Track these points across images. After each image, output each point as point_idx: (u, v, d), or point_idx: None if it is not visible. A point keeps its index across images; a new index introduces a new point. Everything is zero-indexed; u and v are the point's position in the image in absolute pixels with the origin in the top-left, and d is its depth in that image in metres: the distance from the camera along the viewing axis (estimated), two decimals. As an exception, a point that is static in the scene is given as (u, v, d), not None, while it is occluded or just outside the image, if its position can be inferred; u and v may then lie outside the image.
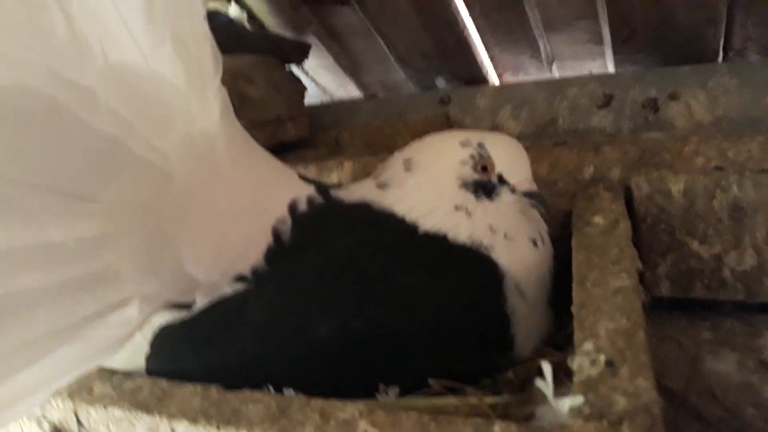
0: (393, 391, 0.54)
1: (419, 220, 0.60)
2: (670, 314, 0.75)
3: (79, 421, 0.56)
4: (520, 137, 1.09)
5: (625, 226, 0.63)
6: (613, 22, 1.17)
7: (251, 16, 1.37)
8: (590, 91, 1.11)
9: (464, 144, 0.64)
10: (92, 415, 0.54)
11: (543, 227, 0.66)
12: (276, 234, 0.59)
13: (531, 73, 1.39)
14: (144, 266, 0.52)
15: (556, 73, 1.35)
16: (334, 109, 1.35)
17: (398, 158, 0.67)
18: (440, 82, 1.42)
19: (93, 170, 0.47)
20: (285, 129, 1.12)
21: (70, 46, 0.45)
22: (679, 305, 0.75)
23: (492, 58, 1.37)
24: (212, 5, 1.30)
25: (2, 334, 0.43)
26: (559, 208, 0.77)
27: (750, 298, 0.70)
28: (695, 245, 0.71)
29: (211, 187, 0.56)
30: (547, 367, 0.44)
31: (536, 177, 0.83)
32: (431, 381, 0.52)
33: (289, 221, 0.59)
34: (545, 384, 0.44)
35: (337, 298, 0.56)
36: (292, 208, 0.60)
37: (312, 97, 1.55)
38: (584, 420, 0.39)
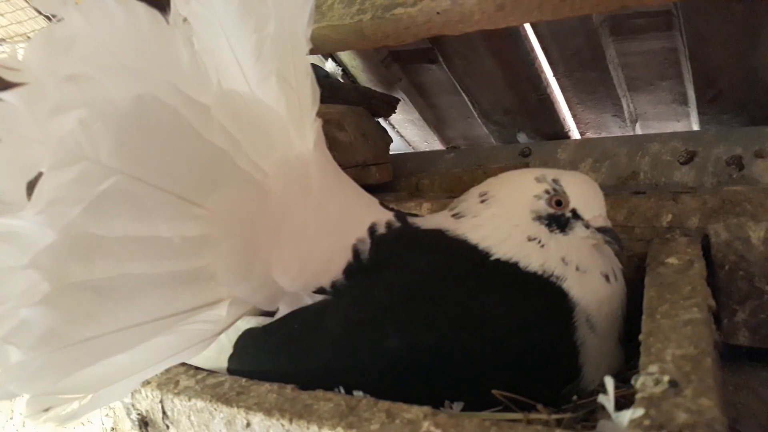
0: (458, 407, 0.55)
1: (492, 248, 0.63)
2: (748, 364, 0.73)
3: (164, 411, 0.60)
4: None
5: (699, 266, 0.64)
6: (697, 83, 1.17)
7: (345, 72, 1.47)
8: (673, 148, 1.11)
9: (539, 179, 0.66)
10: (176, 405, 0.59)
11: (616, 264, 0.67)
12: (356, 252, 0.63)
13: (614, 133, 1.41)
14: (237, 270, 0.57)
15: (639, 132, 1.36)
16: (416, 158, 1.40)
17: (474, 192, 0.70)
18: (522, 138, 1.46)
19: (203, 178, 0.53)
20: (370, 173, 1.18)
21: (190, 71, 0.53)
22: (758, 356, 0.73)
23: (574, 117, 1.40)
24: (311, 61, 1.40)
25: (110, 314, 0.48)
26: (635, 252, 0.77)
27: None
28: (775, 294, 0.70)
29: (302, 205, 0.61)
30: (609, 381, 0.45)
31: (613, 223, 0.84)
32: (495, 392, 0.54)
33: (368, 241, 0.64)
34: (607, 398, 0.44)
35: (409, 314, 0.59)
36: (372, 229, 0.65)
37: (397, 150, 1.61)
38: (643, 430, 0.40)
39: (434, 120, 1.56)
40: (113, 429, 0.72)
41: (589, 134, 1.42)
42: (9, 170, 0.48)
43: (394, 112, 1.42)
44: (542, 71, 1.30)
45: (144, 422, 0.63)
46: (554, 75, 1.31)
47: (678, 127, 1.32)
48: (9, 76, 0.48)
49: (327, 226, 0.63)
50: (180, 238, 0.52)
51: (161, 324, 0.52)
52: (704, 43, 1.09)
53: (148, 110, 0.47)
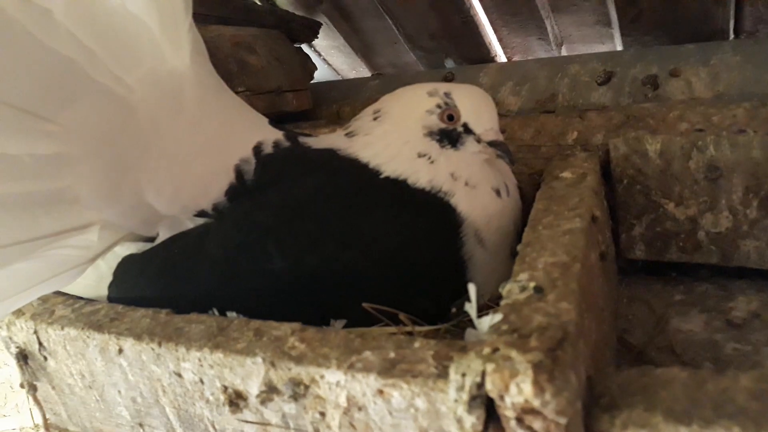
0: (339, 324, 0.54)
1: (382, 166, 0.61)
2: (644, 278, 0.74)
3: (39, 342, 0.58)
4: (519, 113, 1.10)
5: (591, 179, 0.63)
6: (619, 3, 1.15)
7: (264, -4, 1.40)
8: (592, 69, 1.10)
9: (431, 94, 0.64)
10: (51, 335, 0.57)
11: (510, 179, 0.66)
12: (239, 173, 0.60)
13: (540, 56, 1.39)
14: (103, 192, 0.54)
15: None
16: (340, 86, 1.36)
17: (369, 110, 0.67)
18: (449, 64, 1.43)
19: (49, 90, 0.49)
20: (286, 99, 1.13)
21: None
22: (654, 269, 0.74)
23: (500, 41, 1.37)
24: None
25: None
26: (537, 170, 0.77)
27: (725, 261, 0.68)
28: (671, 207, 0.70)
29: (175, 123, 0.58)
30: (472, 289, 0.44)
31: (520, 142, 0.83)
32: (365, 305, 0.53)
33: (253, 161, 0.61)
34: (471, 306, 0.44)
35: (293, 235, 0.57)
36: (257, 149, 0.62)
37: (325, 78, 1.56)
38: (498, 335, 0.40)
39: (361, 47, 1.51)
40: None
41: (516, 58, 1.40)
42: None
43: (316, 37, 1.37)
44: (466, -8, 1.26)
45: (23, 355, 0.61)
46: (478, -4, 1.27)
47: (602, 49, 1.30)
48: None
49: (204, 145, 0.60)
50: (30, 156, 0.48)
51: (20, 248, 0.50)
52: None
53: None
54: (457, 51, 1.40)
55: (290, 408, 0.46)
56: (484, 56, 1.38)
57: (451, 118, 0.63)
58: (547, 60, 1.19)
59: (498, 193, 0.63)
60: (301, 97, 1.18)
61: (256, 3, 1.31)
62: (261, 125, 0.65)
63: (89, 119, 0.51)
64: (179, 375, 0.50)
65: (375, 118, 0.65)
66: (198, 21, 0.62)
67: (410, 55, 1.47)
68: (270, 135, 0.64)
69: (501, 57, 1.40)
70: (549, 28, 1.28)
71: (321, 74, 1.50)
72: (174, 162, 0.58)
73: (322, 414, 0.44)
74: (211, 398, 0.50)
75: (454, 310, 0.56)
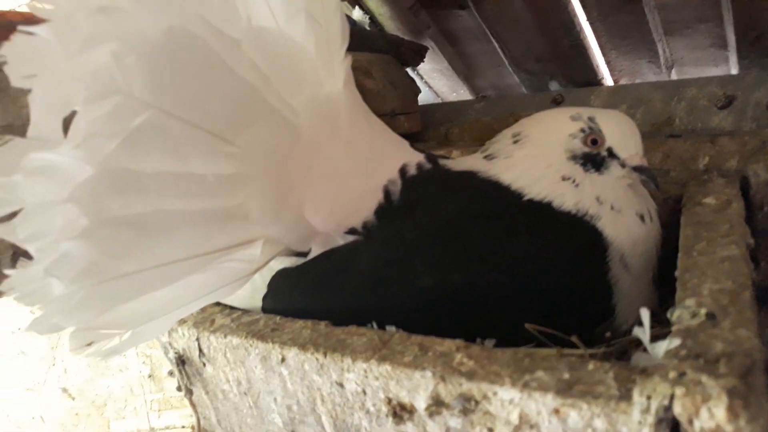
0: (489, 344, 0.56)
1: (525, 189, 0.62)
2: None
3: (200, 349, 0.62)
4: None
5: (737, 206, 0.62)
6: (738, 25, 1.13)
7: (373, 20, 1.44)
8: (710, 92, 1.08)
9: (574, 118, 0.65)
10: (212, 342, 0.60)
11: (652, 204, 0.66)
12: (387, 193, 0.63)
13: (648, 79, 1.37)
14: (270, 210, 0.58)
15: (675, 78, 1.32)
16: (445, 108, 1.38)
17: (507, 133, 0.69)
18: (554, 86, 1.43)
19: (234, 114, 0.53)
20: (398, 122, 1.17)
21: (220, 5, 0.53)
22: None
23: (608, 63, 1.36)
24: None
25: (148, 249, 0.49)
26: (670, 194, 0.76)
27: None
28: (816, 236, 0.68)
29: (332, 145, 0.61)
30: (645, 313, 0.44)
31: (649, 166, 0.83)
32: (528, 326, 0.54)
33: (399, 182, 0.63)
34: (642, 330, 0.44)
35: (439, 253, 0.59)
36: (403, 171, 0.64)
37: (425, 101, 1.59)
38: (680, 360, 0.40)
39: (463, 69, 1.53)
40: (150, 376, 0.74)
41: (623, 81, 1.38)
42: (45, 106, 0.48)
43: (423, 61, 1.40)
44: (575, 15, 1.27)
45: (181, 360, 0.65)
46: (588, 19, 1.27)
47: (716, 72, 1.28)
48: (41, 12, 0.47)
49: (357, 166, 0.63)
50: (213, 176, 0.52)
51: (197, 261, 0.53)
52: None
53: (180, 43, 0.47)
54: (562, 73, 1.40)
55: (456, 423, 0.47)
56: (591, 79, 1.38)
57: (595, 142, 0.63)
58: (661, 83, 1.18)
59: (642, 218, 0.63)
60: (411, 119, 1.21)
61: (366, 28, 1.35)
62: (404, 148, 0.68)
63: (263, 141, 0.55)
64: (341, 385, 0.52)
65: (515, 141, 0.66)
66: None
67: (513, 77, 1.48)
68: (413, 157, 0.66)
69: (607, 80, 1.39)
70: (660, 51, 1.27)
71: (422, 97, 1.53)
72: (332, 182, 0.61)
73: (491, 430, 0.45)
74: (372, 409, 0.52)
75: (608, 334, 0.56)
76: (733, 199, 0.64)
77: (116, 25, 0.46)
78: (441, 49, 1.47)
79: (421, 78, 1.61)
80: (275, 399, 0.59)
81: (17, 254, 0.54)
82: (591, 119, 0.64)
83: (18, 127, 0.63)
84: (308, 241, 0.62)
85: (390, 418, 0.50)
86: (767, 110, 1.02)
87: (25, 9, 0.65)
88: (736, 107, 1.04)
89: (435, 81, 1.62)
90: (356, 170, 0.63)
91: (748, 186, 0.71)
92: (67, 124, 0.46)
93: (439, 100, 1.68)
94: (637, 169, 0.63)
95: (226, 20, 0.52)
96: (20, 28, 0.47)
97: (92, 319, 0.47)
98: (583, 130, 0.64)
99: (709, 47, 1.24)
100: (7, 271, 0.48)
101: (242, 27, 0.54)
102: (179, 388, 0.66)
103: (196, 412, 0.67)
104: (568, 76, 1.40)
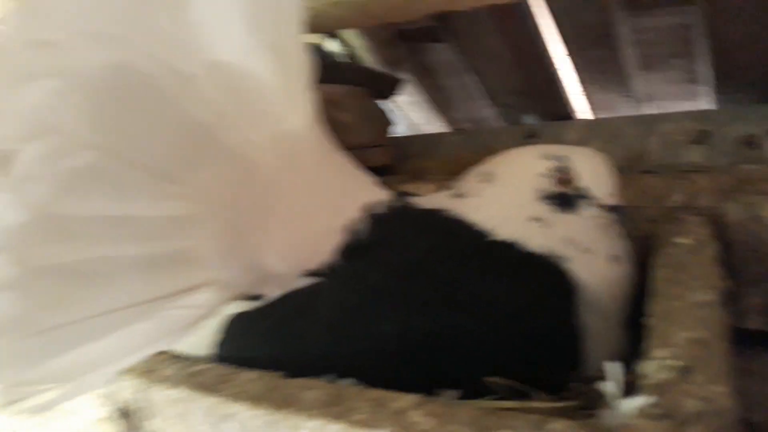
0: (452, 395, 0.53)
1: (493, 229, 0.60)
2: (757, 349, 0.70)
3: (144, 400, 0.58)
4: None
5: (711, 247, 0.60)
6: (714, 61, 1.13)
7: (348, 52, 1.43)
8: (684, 127, 1.07)
9: (545, 157, 0.63)
10: (157, 395, 0.56)
11: (624, 245, 0.64)
12: (349, 233, 0.60)
13: (624, 113, 1.37)
14: (223, 253, 0.55)
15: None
16: (420, 141, 1.36)
17: (477, 171, 0.67)
18: (529, 120, 1.42)
19: (185, 154, 0.50)
20: (372, 155, 1.14)
21: (174, 40, 0.50)
22: (769, 341, 0.70)
23: (584, 97, 1.36)
24: (312, 40, 1.37)
25: (84, 299, 0.46)
26: (643, 232, 0.74)
27: None
28: (791, 277, 0.66)
29: (293, 184, 0.59)
30: (614, 367, 0.42)
31: (623, 203, 0.81)
32: (489, 379, 0.51)
33: (363, 221, 0.61)
34: (609, 385, 0.42)
35: (402, 296, 0.57)
36: (367, 209, 0.62)
37: (401, 133, 1.58)
38: (649, 419, 0.37)
39: (440, 101, 1.52)
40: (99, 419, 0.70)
41: (599, 115, 1.38)
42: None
43: (398, 93, 1.38)
44: (551, 50, 1.26)
45: (125, 413, 0.61)
46: (567, 53, 1.27)
47: (690, 107, 1.28)
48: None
49: (319, 205, 0.60)
50: (160, 219, 0.49)
51: (140, 310, 0.50)
52: (723, 18, 1.05)
53: (125, 80, 0.45)
54: (538, 107, 1.39)
55: (415, 484, 0.44)
56: (566, 113, 1.37)
57: (566, 182, 0.61)
58: (635, 118, 1.17)
59: (614, 259, 0.61)
60: (383, 152, 1.19)
61: (340, 61, 1.34)
62: (371, 186, 0.66)
63: (216, 181, 0.52)
64: (296, 442, 0.49)
65: (484, 180, 0.64)
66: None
67: (488, 110, 1.47)
68: (380, 195, 0.64)
69: (583, 113, 1.39)
70: (636, 86, 1.27)
71: (398, 129, 1.52)
72: (290, 221, 0.58)
73: (451, 493, 0.42)
74: (327, 468, 0.48)
75: (576, 383, 0.53)
76: (707, 239, 0.63)
77: (57, 59, 0.44)
78: (418, 81, 1.46)
79: (398, 110, 1.60)
80: (226, 455, 0.55)
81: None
82: (562, 158, 0.62)
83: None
84: (264, 284, 0.59)
85: (345, 479, 0.47)
86: (740, 145, 1.01)
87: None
88: (710, 143, 1.04)
89: (411, 113, 1.61)
90: (318, 209, 0.60)
91: (722, 225, 0.69)
92: (-3, 164, 0.43)
93: (414, 132, 1.67)
94: (611, 208, 0.61)
95: (181, 55, 0.50)
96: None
97: (20, 376, 0.44)
98: (554, 170, 0.62)
99: (684, 82, 1.24)
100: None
101: (199, 61, 0.51)
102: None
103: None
104: (544, 109, 1.40)
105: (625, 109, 1.35)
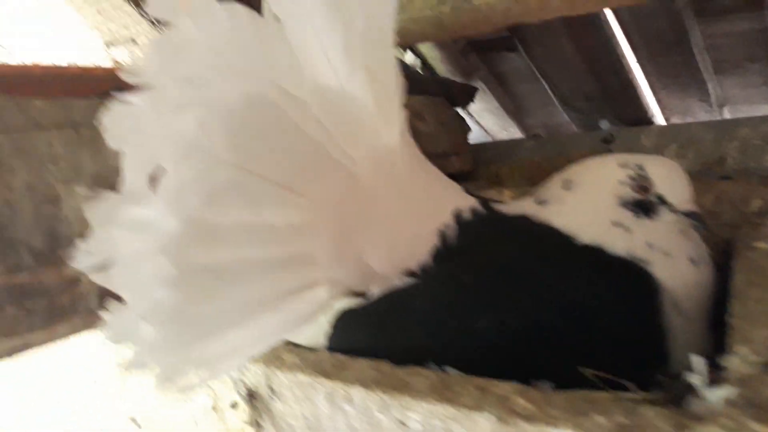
0: (545, 386, 0.57)
1: (577, 234, 0.65)
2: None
3: (269, 385, 0.65)
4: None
5: (791, 251, 0.63)
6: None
7: (424, 63, 1.49)
8: (764, 132, 1.08)
9: (623, 165, 0.67)
10: (282, 379, 0.64)
11: (703, 248, 0.67)
12: (442, 236, 0.66)
13: (700, 118, 1.37)
14: (334, 255, 0.62)
15: (727, 117, 1.32)
16: (496, 147, 1.41)
17: (557, 179, 0.71)
18: (604, 125, 1.44)
19: (303, 169, 0.57)
20: (450, 162, 1.20)
21: (288, 68, 0.57)
22: None
23: (659, 102, 1.37)
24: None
25: (226, 294, 0.53)
26: (722, 238, 0.77)
27: None
28: None
29: (389, 192, 0.65)
30: (698, 360, 0.46)
31: (700, 209, 0.83)
32: (583, 370, 0.55)
33: (453, 226, 0.67)
34: (695, 376, 0.46)
35: (496, 296, 0.62)
36: (457, 215, 0.68)
37: (476, 139, 1.63)
38: (734, 407, 0.41)
39: (513, 108, 1.56)
40: (213, 407, 0.78)
41: (674, 120, 1.39)
42: (136, 165, 0.53)
43: (473, 102, 1.43)
44: (623, 56, 1.29)
45: (251, 396, 0.68)
46: (637, 60, 1.29)
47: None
48: (130, 80, 0.53)
49: (413, 212, 0.66)
50: (286, 226, 0.57)
51: (269, 304, 0.57)
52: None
53: (256, 108, 0.52)
54: (613, 112, 1.41)
55: (514, 463, 0.49)
56: (641, 118, 1.39)
57: (644, 189, 0.65)
58: (712, 123, 1.18)
59: (694, 262, 0.64)
60: (463, 159, 1.24)
61: (419, 72, 1.40)
62: (458, 193, 0.71)
63: (328, 191, 0.59)
64: (403, 423, 0.55)
65: (565, 188, 0.69)
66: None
67: (563, 115, 1.50)
68: (467, 202, 0.69)
69: (658, 118, 1.40)
70: (711, 90, 1.27)
71: (473, 136, 1.57)
72: (388, 227, 0.65)
73: (548, 471, 0.47)
74: (432, 447, 0.54)
75: (663, 378, 0.57)
76: (787, 244, 0.65)
77: (200, 92, 0.51)
78: (491, 89, 1.51)
79: (471, 117, 1.65)
80: (338, 434, 0.62)
81: (103, 295, 0.59)
82: (639, 166, 0.66)
83: (104, 177, 0.69)
84: (368, 282, 0.66)
85: (449, 456, 0.52)
86: (823, 149, 1.01)
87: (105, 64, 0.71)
88: (791, 147, 1.04)
89: (485, 120, 1.65)
90: (412, 215, 0.66)
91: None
92: (151, 181, 0.51)
93: (489, 139, 1.71)
94: (686, 214, 0.65)
95: (293, 82, 0.57)
96: (117, 95, 0.52)
97: (177, 359, 0.52)
98: (632, 177, 0.66)
99: (761, 85, 1.24)
100: (103, 314, 0.53)
101: (308, 87, 0.58)
102: (250, 423, 0.70)
103: (264, 445, 0.71)
104: (618, 115, 1.41)
105: (700, 113, 1.35)
